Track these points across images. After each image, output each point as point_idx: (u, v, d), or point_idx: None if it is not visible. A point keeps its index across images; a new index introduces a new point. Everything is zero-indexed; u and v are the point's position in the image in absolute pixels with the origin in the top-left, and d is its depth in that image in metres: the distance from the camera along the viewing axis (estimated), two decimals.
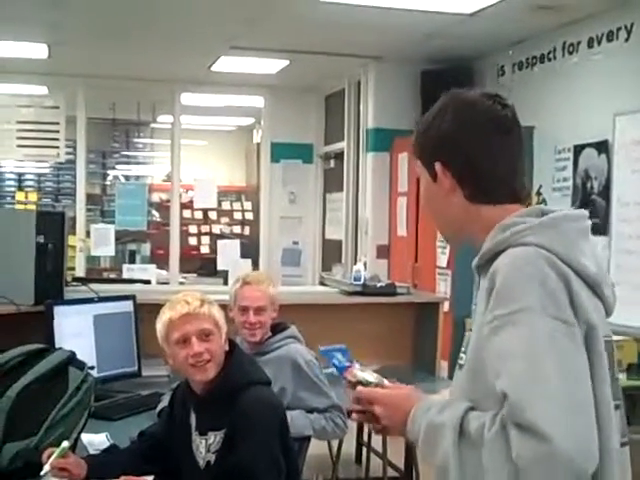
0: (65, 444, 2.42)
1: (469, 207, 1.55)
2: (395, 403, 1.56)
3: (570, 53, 5.74)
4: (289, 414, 2.71)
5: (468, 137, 1.53)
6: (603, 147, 5.33)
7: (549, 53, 5.97)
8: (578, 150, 5.57)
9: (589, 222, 1.53)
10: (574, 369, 1.32)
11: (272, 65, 7.46)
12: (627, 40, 5.19)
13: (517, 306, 1.35)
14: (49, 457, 2.38)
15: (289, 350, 3.37)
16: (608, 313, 1.49)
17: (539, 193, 5.99)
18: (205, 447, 2.47)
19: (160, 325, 2.52)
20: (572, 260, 1.41)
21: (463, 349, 1.53)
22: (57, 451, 2.39)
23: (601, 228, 5.28)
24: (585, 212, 1.54)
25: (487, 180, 1.54)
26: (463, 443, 1.36)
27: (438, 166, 1.56)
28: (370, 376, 1.70)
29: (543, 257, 1.39)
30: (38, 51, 6.89)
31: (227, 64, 7.37)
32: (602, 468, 1.34)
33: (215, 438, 2.46)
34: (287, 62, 7.28)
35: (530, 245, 1.41)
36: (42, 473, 2.37)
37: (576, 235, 1.47)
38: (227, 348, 2.56)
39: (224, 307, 2.82)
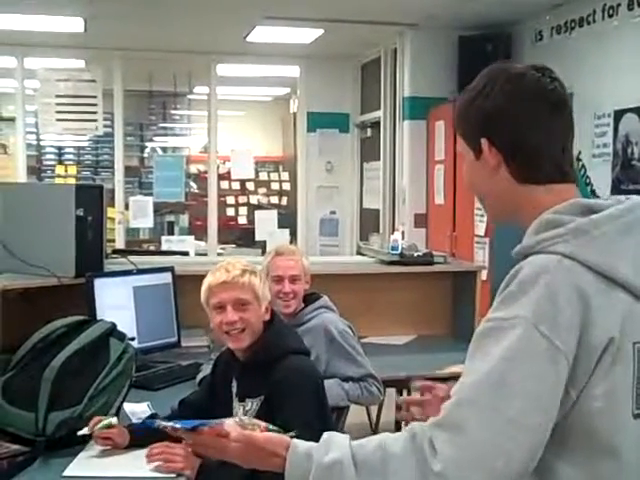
0: (114, 420, 2.50)
1: (516, 188, 1.48)
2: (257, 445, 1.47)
3: (610, 16, 5.63)
4: (325, 383, 2.72)
5: (516, 111, 1.46)
6: None
7: (588, 16, 5.86)
8: (618, 115, 5.48)
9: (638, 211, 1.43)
10: (536, 394, 1.29)
11: (307, 34, 7.42)
12: None
13: (514, 313, 1.32)
14: (94, 425, 2.46)
15: (322, 320, 3.38)
16: None
17: (579, 159, 5.92)
18: (243, 413, 2.50)
19: (202, 288, 2.58)
20: (605, 267, 1.35)
21: None
22: (104, 422, 2.47)
23: None
24: (634, 201, 1.44)
25: (535, 157, 1.47)
26: (362, 472, 1.34)
27: (484, 142, 1.48)
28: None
29: (564, 269, 1.34)
30: (74, 25, 6.92)
31: (262, 34, 7.34)
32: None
33: (252, 405, 2.49)
34: (322, 31, 7.23)
35: (557, 254, 1.36)
36: (80, 433, 2.45)
37: (616, 235, 1.38)
38: (267, 317, 2.59)
39: None
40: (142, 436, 2.52)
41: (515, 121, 1.46)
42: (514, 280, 1.37)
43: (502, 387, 1.29)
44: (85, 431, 2.46)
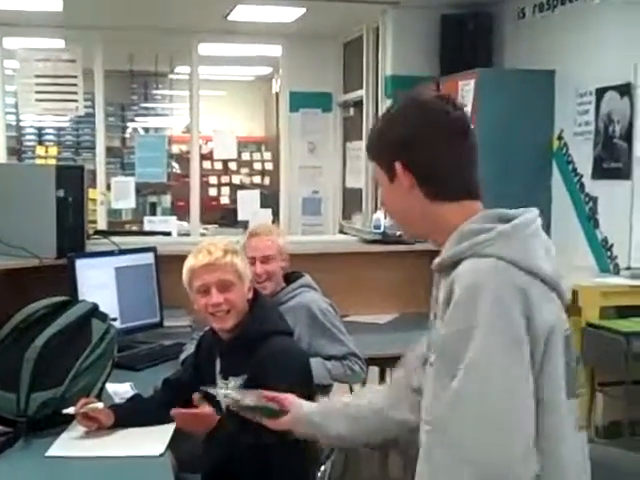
0: (100, 405, 2.51)
1: (429, 206, 1.61)
2: None
3: None
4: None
5: (424, 138, 1.59)
6: (625, 90, 5.25)
7: None
8: (600, 93, 5.49)
9: (539, 220, 1.59)
10: (510, 386, 1.41)
11: (289, 13, 7.38)
12: None
13: (469, 323, 1.42)
14: (82, 406, 2.47)
15: (303, 299, 3.37)
16: (564, 303, 1.56)
17: (560, 138, 5.93)
18: (226, 390, 2.51)
19: (184, 271, 2.59)
20: (532, 266, 1.48)
21: (430, 348, 1.60)
22: (90, 407, 2.48)
23: (624, 172, 5.24)
24: (536, 211, 1.60)
25: (443, 178, 1.60)
26: None
27: (397, 166, 1.61)
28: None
29: (502, 270, 1.46)
30: (52, 3, 6.85)
31: (244, 13, 7.29)
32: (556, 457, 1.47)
33: (235, 383, 2.50)
34: (304, 10, 7.20)
35: (490, 257, 1.47)
36: (64, 411, 2.46)
37: (532, 239, 1.53)
38: (251, 296, 2.59)
39: None
40: (125, 416, 2.53)
41: (423, 147, 1.60)
42: (456, 287, 1.46)
43: (481, 395, 1.40)
44: (71, 410, 2.45)
